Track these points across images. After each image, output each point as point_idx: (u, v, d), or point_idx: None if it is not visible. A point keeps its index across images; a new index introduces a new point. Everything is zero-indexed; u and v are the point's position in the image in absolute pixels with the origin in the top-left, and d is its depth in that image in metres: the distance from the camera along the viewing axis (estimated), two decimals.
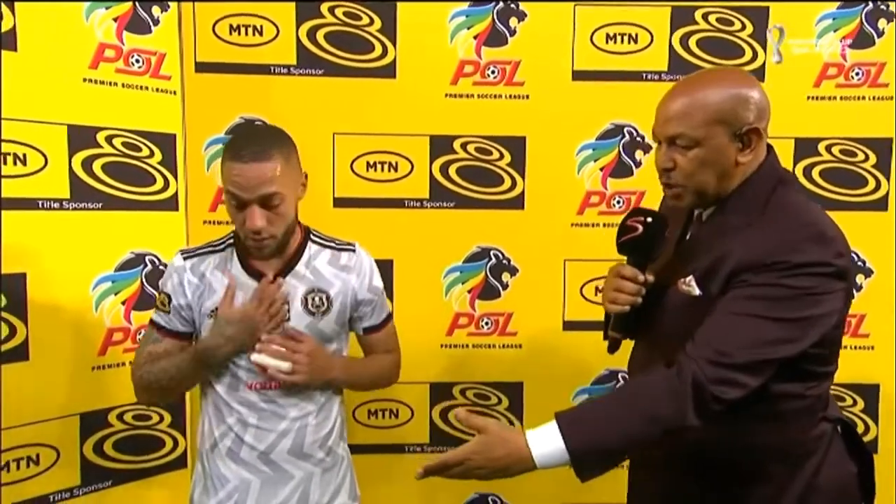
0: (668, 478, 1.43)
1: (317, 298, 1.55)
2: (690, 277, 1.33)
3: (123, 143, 1.98)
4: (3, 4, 1.74)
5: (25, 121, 1.80)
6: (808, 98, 2.20)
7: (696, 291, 1.32)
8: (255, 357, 1.44)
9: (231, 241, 1.55)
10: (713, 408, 1.20)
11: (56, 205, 1.88)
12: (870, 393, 2.24)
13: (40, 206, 1.85)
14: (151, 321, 1.57)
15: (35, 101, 1.83)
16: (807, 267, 1.23)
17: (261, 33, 2.12)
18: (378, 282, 1.65)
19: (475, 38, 2.18)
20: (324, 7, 2.11)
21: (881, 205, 2.20)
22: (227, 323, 1.45)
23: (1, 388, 1.80)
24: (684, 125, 1.31)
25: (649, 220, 1.39)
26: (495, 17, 2.18)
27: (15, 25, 1.75)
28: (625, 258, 1.42)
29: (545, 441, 1.22)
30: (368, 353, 1.70)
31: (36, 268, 1.85)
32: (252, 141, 1.48)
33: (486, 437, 1.25)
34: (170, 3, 2.07)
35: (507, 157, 2.24)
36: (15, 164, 1.77)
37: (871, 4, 2.11)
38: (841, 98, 2.19)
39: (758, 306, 1.23)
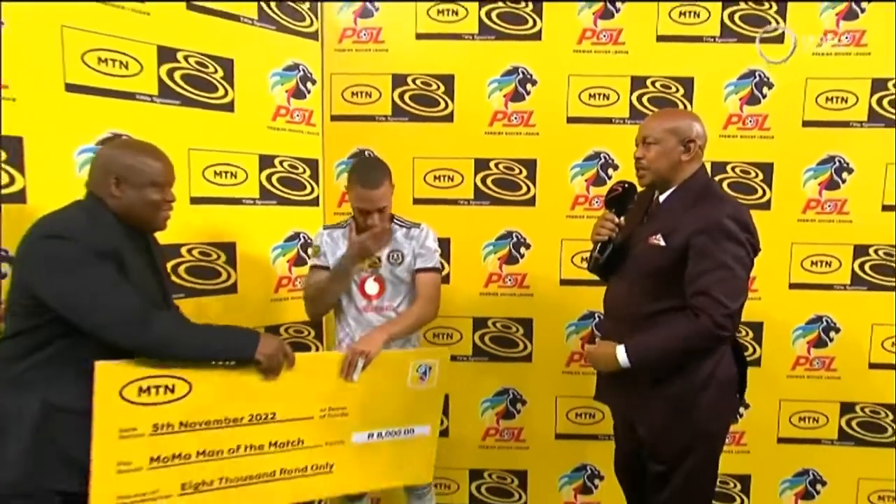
0: (618, 369, 1.78)
1: (395, 255, 2.12)
2: (659, 235, 1.71)
3: (289, 165, 2.69)
4: (227, 87, 2.51)
5: (236, 152, 2.52)
6: (720, 136, 2.68)
7: (663, 243, 1.71)
8: (354, 378, 1.86)
9: (350, 223, 2.17)
10: (722, 337, 1.65)
11: (251, 202, 2.58)
12: (756, 327, 2.80)
13: (242, 202, 2.55)
14: (311, 264, 2.24)
15: (241, 141, 2.53)
16: (734, 222, 1.62)
17: (369, 96, 2.77)
18: (430, 244, 2.12)
19: (504, 96, 2.73)
20: (409, 78, 2.74)
21: (766, 206, 2.73)
22: (351, 244, 2.03)
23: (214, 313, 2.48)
24: (652, 131, 1.76)
25: (627, 185, 1.87)
26: (517, 83, 2.72)
27: (234, 99, 2.53)
28: (607, 211, 1.85)
29: (621, 353, 1.73)
30: (418, 291, 2.09)
31: (240, 239, 2.55)
32: (371, 173, 2.01)
33: (603, 342, 1.82)
34: (316, 79, 2.79)
35: (525, 172, 2.74)
36: (229, 178, 2.52)
37: (758, 78, 2.68)
38: (741, 137, 2.71)
39: (735, 269, 1.61)
